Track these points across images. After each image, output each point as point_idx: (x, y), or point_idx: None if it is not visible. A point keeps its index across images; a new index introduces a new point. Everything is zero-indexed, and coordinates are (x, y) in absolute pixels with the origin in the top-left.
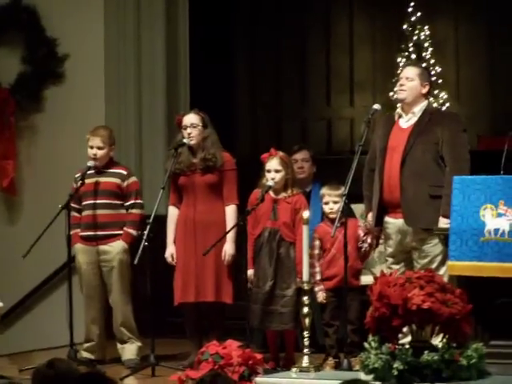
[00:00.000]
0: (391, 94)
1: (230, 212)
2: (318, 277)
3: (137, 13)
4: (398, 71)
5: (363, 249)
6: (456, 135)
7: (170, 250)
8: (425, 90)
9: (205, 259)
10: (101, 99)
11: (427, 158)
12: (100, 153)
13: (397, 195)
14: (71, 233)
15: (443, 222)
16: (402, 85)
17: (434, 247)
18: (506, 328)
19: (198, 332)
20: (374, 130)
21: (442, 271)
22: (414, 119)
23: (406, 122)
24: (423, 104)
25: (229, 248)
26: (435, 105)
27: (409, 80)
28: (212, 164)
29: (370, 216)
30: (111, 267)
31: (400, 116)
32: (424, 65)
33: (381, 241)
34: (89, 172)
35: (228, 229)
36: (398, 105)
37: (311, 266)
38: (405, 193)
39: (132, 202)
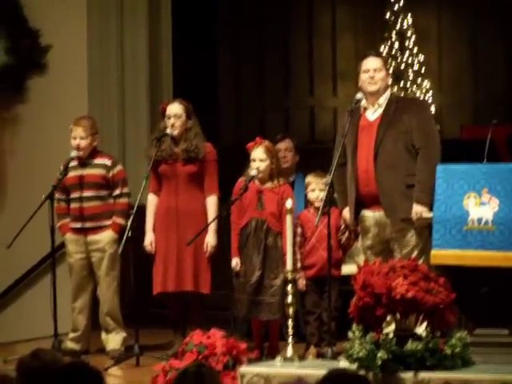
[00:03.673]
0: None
1: (211, 203)
2: (299, 264)
3: (120, 2)
4: (364, 62)
5: (342, 241)
6: (424, 122)
7: (150, 238)
8: (389, 80)
9: (184, 249)
10: (84, 89)
11: (399, 148)
12: (83, 143)
13: (373, 189)
14: (60, 223)
15: (417, 210)
16: (372, 77)
17: (413, 237)
18: (490, 317)
19: (182, 322)
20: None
21: (421, 261)
22: (380, 110)
23: (373, 114)
24: (387, 94)
25: (211, 239)
26: (418, 93)
27: (377, 71)
28: (194, 155)
29: (346, 211)
30: (101, 257)
31: (365, 109)
32: (407, 53)
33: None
34: (73, 164)
35: (210, 219)
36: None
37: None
38: (381, 186)
39: (119, 191)
